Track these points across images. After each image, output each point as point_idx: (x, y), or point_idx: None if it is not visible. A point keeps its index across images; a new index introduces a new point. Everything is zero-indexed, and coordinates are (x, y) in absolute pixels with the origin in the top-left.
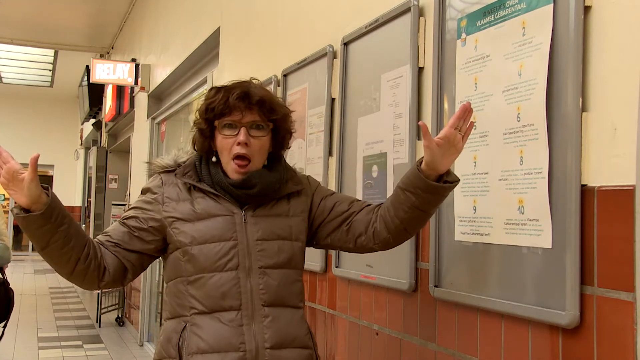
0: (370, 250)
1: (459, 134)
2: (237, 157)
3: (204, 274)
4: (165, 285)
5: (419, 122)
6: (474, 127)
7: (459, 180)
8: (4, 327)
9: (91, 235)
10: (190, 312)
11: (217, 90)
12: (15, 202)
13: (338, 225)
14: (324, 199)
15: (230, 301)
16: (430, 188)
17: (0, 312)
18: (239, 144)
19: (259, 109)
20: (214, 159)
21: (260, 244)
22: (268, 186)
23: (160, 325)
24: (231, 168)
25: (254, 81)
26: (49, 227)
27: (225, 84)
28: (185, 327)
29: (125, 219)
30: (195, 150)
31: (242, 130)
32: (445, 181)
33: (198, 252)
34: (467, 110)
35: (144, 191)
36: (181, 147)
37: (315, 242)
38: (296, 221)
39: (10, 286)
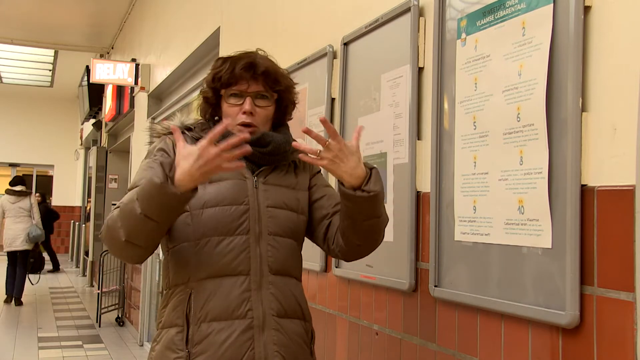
0: (335, 256)
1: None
2: (242, 124)
3: (213, 237)
4: (166, 252)
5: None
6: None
7: (376, 191)
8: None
9: (91, 237)
10: (196, 278)
11: (223, 60)
12: (168, 178)
13: (319, 219)
14: (318, 186)
15: (239, 266)
16: (343, 194)
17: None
18: (244, 112)
19: (264, 79)
20: (216, 118)
21: (271, 211)
22: (280, 145)
23: (162, 293)
24: (237, 130)
25: (260, 52)
26: (180, 209)
27: (232, 54)
28: (191, 294)
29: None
30: (202, 117)
31: (248, 100)
32: (363, 190)
33: (210, 215)
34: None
35: (157, 150)
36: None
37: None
38: (302, 195)
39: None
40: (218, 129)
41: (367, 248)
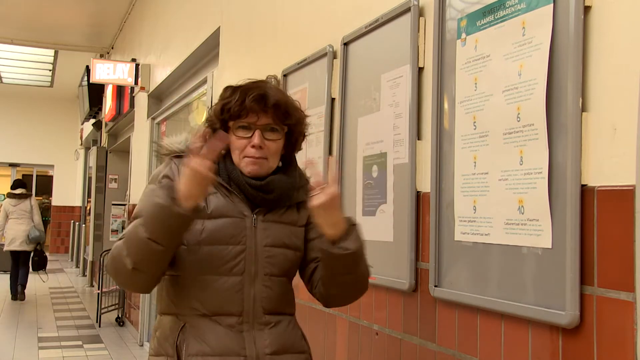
0: (316, 298)
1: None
2: (250, 157)
3: (208, 275)
4: (163, 277)
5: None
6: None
7: (352, 250)
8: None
9: (91, 236)
10: (190, 313)
11: (233, 90)
12: (171, 199)
13: (309, 260)
14: (315, 225)
15: (231, 307)
16: (320, 248)
17: (39, 265)
18: (253, 146)
19: (274, 112)
20: (222, 151)
21: (268, 251)
22: (285, 192)
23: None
24: (245, 163)
25: (272, 80)
26: (184, 230)
27: (242, 84)
28: (183, 326)
29: None
30: None
31: (257, 133)
32: (340, 247)
33: (206, 253)
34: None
35: (162, 177)
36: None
37: None
38: (301, 232)
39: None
40: (195, 146)
41: (345, 299)
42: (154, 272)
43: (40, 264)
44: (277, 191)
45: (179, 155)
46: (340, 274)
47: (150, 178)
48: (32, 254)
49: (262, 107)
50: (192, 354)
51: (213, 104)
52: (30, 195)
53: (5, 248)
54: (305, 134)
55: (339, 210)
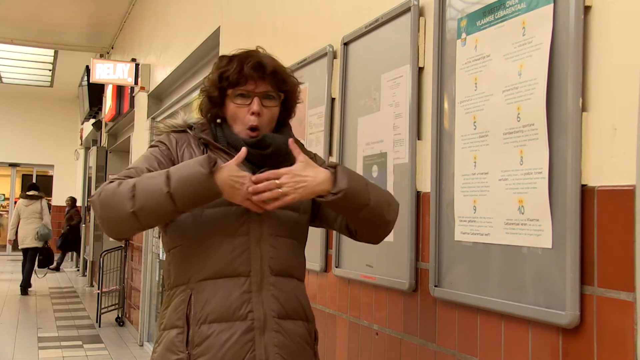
0: (345, 234)
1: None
2: (250, 129)
3: (213, 237)
4: (167, 253)
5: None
6: (474, 127)
7: (344, 189)
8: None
9: (91, 236)
10: (196, 279)
11: (229, 59)
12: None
13: (334, 217)
14: None
15: (239, 267)
16: (321, 204)
17: (43, 263)
18: (252, 113)
19: (272, 79)
20: (218, 120)
21: (272, 211)
22: (281, 147)
23: (162, 292)
24: (245, 135)
25: (260, 50)
26: (199, 204)
27: (236, 53)
28: (191, 295)
29: (149, 165)
30: (201, 115)
31: (256, 100)
32: (333, 193)
33: (210, 216)
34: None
35: (158, 144)
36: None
37: (313, 218)
38: None
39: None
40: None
41: (377, 231)
42: (145, 225)
43: (44, 263)
44: (273, 145)
45: (176, 131)
46: (355, 213)
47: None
48: (37, 253)
49: (260, 74)
50: (201, 322)
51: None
52: (41, 197)
53: (20, 246)
54: (298, 101)
55: (306, 172)
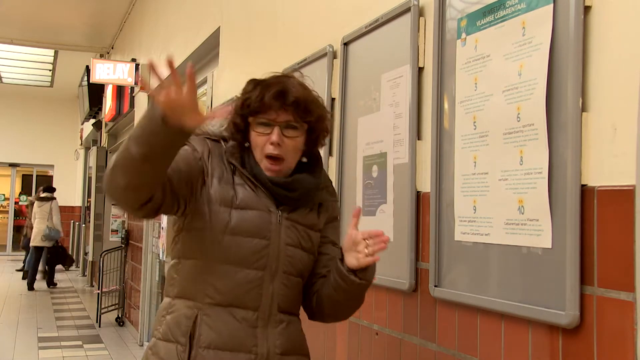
0: (305, 309)
1: (363, 244)
2: (269, 156)
3: (230, 265)
4: (176, 260)
5: (357, 208)
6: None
7: (369, 282)
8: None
9: (91, 236)
10: (205, 300)
11: (254, 85)
12: (158, 113)
13: (313, 273)
14: (330, 241)
15: (250, 301)
16: (339, 271)
17: (51, 260)
18: (272, 143)
19: (294, 109)
20: (246, 144)
21: (289, 250)
22: (309, 192)
23: (161, 293)
24: (264, 166)
25: (296, 74)
26: (170, 147)
27: (265, 78)
28: (197, 315)
29: (181, 162)
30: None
31: (276, 130)
32: (359, 277)
33: (230, 243)
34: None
35: (189, 145)
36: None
37: None
38: (317, 236)
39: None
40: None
41: (332, 319)
42: (126, 182)
43: (52, 260)
44: (301, 190)
45: (211, 138)
46: (348, 299)
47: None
48: (48, 252)
49: (282, 103)
50: (205, 345)
51: (237, 97)
52: (52, 199)
53: (31, 244)
54: (328, 130)
55: (353, 252)
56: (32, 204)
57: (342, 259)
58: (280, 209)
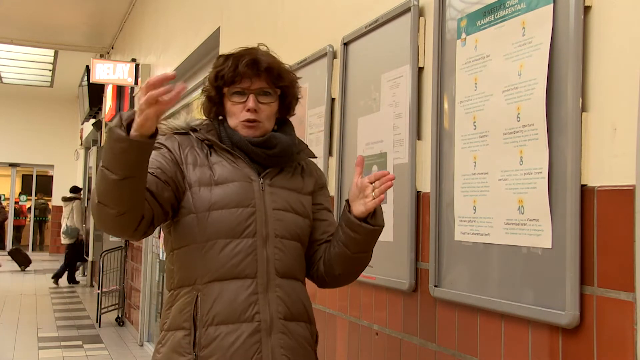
0: (310, 279)
1: (370, 188)
2: (246, 121)
3: (219, 239)
4: (171, 253)
5: (358, 156)
6: (478, 129)
7: (382, 225)
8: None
9: (91, 236)
10: (202, 280)
11: (225, 57)
12: (124, 123)
13: (312, 241)
14: (322, 206)
15: (246, 269)
16: (349, 222)
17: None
18: (248, 110)
19: (267, 76)
20: (220, 117)
21: (277, 214)
22: (287, 147)
23: (162, 293)
24: (240, 127)
25: (261, 47)
26: (144, 160)
27: (233, 51)
28: (197, 297)
29: (151, 168)
30: (205, 116)
31: (251, 97)
32: (369, 223)
33: (216, 218)
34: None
35: (160, 146)
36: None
37: None
38: (307, 200)
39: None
40: (152, 80)
41: (345, 279)
42: (118, 209)
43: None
44: (279, 146)
45: (179, 133)
46: (356, 251)
47: None
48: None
49: (255, 71)
50: (208, 324)
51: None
52: (75, 199)
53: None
54: (298, 97)
55: (363, 197)
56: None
57: (349, 211)
58: (262, 176)
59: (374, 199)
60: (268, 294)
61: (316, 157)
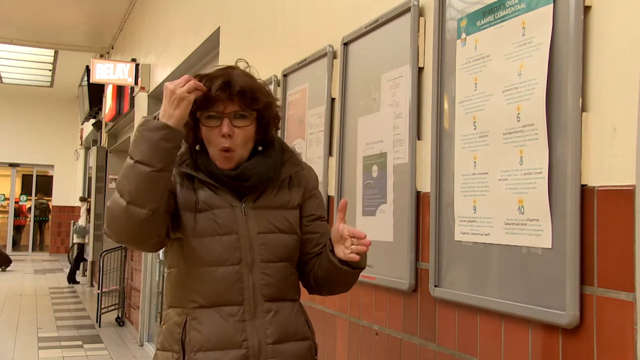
0: (305, 288)
1: (349, 241)
2: (222, 150)
3: (206, 267)
4: (168, 271)
5: (342, 201)
6: (484, 134)
7: (363, 268)
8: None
9: (91, 236)
10: (190, 305)
11: (199, 79)
12: (157, 118)
13: (304, 252)
14: (315, 218)
15: (232, 296)
16: (330, 262)
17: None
18: (222, 135)
19: (240, 98)
20: (197, 147)
21: (262, 238)
22: (263, 176)
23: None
24: (218, 157)
25: (239, 64)
26: (177, 151)
27: (209, 72)
28: (186, 320)
29: None
30: (186, 142)
31: (225, 122)
32: (352, 267)
33: (199, 246)
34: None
35: None
36: None
37: None
38: (293, 214)
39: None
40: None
41: (332, 294)
42: (151, 206)
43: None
44: (254, 176)
45: None
46: (342, 283)
47: None
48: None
49: (228, 95)
50: (196, 349)
51: None
52: (87, 200)
53: None
54: (279, 116)
55: (340, 244)
56: None
57: (332, 250)
58: (243, 201)
59: (353, 253)
60: (256, 321)
61: (302, 169)
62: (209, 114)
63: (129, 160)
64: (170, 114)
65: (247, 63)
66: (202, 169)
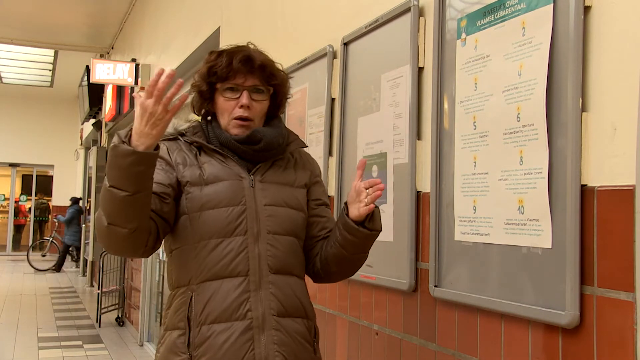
0: (310, 274)
1: (364, 193)
2: (238, 118)
3: (211, 239)
4: (170, 254)
5: (360, 159)
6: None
7: (379, 231)
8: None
9: (91, 235)
10: (196, 280)
11: (218, 53)
12: (125, 140)
13: (309, 237)
14: (320, 202)
15: (237, 267)
16: (346, 225)
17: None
18: (241, 106)
19: (260, 73)
20: (209, 118)
21: (269, 210)
22: (273, 140)
23: (162, 293)
24: (232, 125)
25: (250, 46)
26: (152, 171)
27: (226, 48)
28: (191, 297)
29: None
30: (194, 112)
31: (245, 94)
32: (367, 227)
33: (207, 218)
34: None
35: None
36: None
37: None
38: (301, 193)
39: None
40: (153, 79)
41: (339, 276)
42: (131, 226)
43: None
44: (264, 140)
45: (167, 139)
46: (355, 252)
47: None
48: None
49: (249, 68)
50: (201, 323)
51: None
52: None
53: None
54: (288, 96)
55: (357, 202)
56: None
57: (347, 213)
58: (251, 173)
59: (367, 205)
60: (260, 291)
61: (307, 147)
62: (229, 85)
63: (105, 182)
64: (147, 134)
65: (256, 46)
66: (213, 140)
